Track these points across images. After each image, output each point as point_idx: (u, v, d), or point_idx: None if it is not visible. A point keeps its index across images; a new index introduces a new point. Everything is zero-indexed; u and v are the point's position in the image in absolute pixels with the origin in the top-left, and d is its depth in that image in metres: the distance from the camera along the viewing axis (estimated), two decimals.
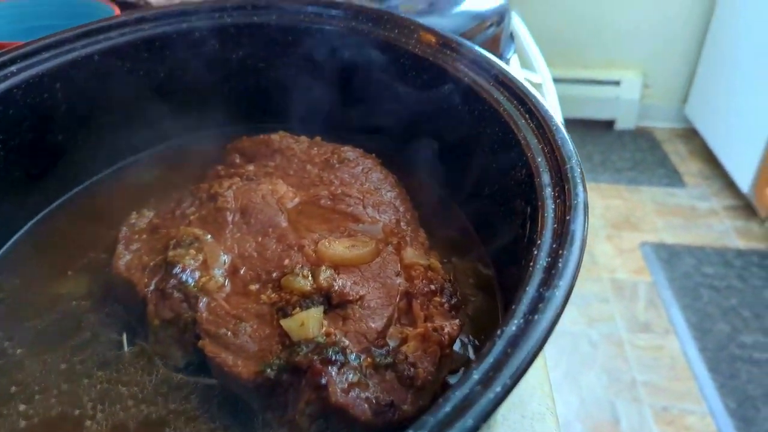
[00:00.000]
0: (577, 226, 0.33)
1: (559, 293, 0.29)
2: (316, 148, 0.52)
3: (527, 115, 0.42)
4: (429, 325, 0.38)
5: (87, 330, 0.41)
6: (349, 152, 0.51)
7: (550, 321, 0.28)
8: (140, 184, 0.53)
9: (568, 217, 0.33)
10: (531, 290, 0.30)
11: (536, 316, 0.28)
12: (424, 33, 0.51)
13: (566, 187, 0.35)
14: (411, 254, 0.43)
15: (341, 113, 0.56)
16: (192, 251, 0.41)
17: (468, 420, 0.24)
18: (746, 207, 2.44)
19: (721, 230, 2.36)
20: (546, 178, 0.37)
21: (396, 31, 0.53)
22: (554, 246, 0.32)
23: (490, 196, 0.46)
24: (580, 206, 0.34)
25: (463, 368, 0.38)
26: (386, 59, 0.53)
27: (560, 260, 0.31)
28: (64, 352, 0.39)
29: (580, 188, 0.35)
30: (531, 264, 0.31)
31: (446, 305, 0.40)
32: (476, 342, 0.41)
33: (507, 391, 0.26)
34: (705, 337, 1.93)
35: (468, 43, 0.50)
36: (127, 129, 0.54)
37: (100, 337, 0.41)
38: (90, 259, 0.46)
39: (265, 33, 0.56)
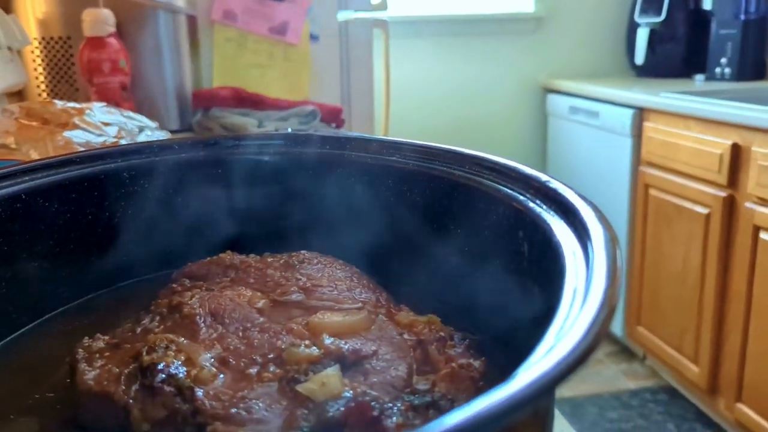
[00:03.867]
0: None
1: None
2: (270, 258, 0.51)
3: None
4: (453, 364, 0.35)
5: None
6: (307, 253, 0.50)
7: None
8: (79, 328, 0.47)
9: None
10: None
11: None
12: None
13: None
14: (405, 316, 0.41)
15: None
16: (170, 353, 0.37)
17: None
18: (624, 350, 2.58)
19: (610, 375, 2.45)
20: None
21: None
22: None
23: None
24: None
25: None
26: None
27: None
28: None
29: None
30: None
31: (462, 347, 0.38)
32: None
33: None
34: None
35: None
36: (56, 275, 0.50)
37: None
38: (34, 401, 0.39)
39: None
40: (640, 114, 2.32)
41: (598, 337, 0.19)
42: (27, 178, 0.49)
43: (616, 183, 2.44)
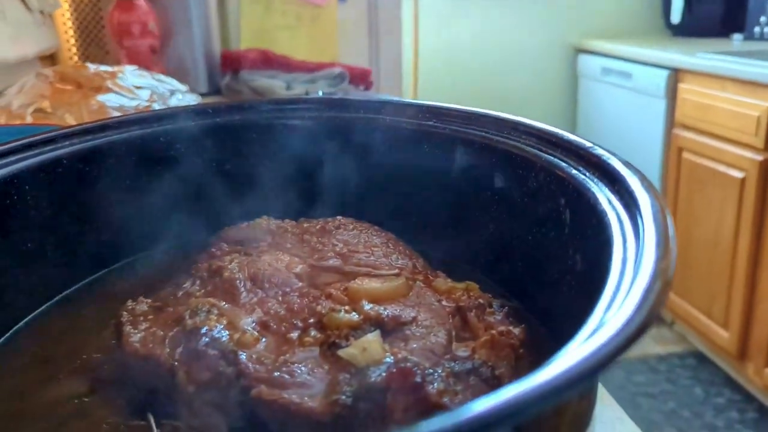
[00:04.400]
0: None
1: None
2: (306, 224, 0.51)
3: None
4: (494, 331, 0.35)
5: (102, 423, 0.34)
6: (342, 219, 0.50)
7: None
8: (121, 291, 0.48)
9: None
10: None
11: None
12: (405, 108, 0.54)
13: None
14: (443, 282, 0.41)
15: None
16: (212, 317, 0.37)
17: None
18: None
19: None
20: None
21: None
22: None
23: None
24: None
25: None
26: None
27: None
28: None
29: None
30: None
31: (502, 314, 0.38)
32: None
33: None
34: None
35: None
36: (98, 238, 0.50)
37: (120, 428, 0.34)
38: (82, 361, 0.40)
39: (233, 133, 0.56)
40: (675, 75, 2.26)
41: (652, 312, 0.19)
42: (67, 143, 0.49)
43: (648, 146, 2.39)
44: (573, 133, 0.40)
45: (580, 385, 0.18)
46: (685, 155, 2.23)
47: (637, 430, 0.37)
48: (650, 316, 0.19)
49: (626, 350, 0.18)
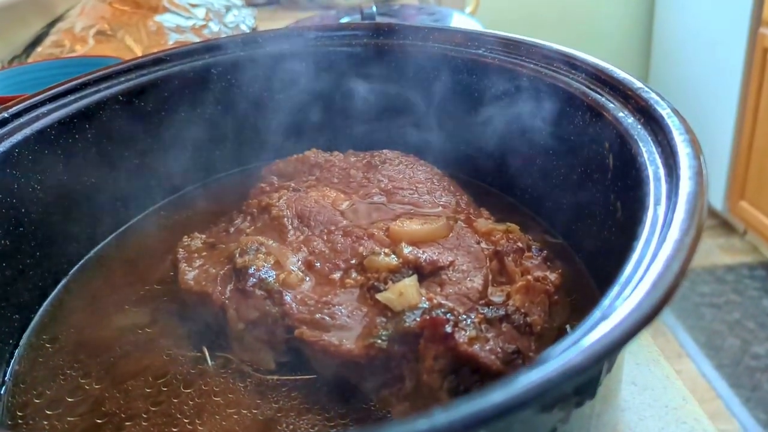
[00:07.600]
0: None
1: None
2: (353, 157, 0.51)
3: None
4: (529, 277, 0.36)
5: (162, 354, 0.38)
6: (389, 153, 0.51)
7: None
8: (178, 222, 0.51)
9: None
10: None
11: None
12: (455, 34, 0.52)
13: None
14: (484, 223, 0.42)
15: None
16: (261, 255, 0.39)
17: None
18: (724, 224, 2.49)
19: (706, 250, 2.38)
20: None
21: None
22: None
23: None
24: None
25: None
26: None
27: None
28: (145, 378, 0.36)
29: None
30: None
31: (539, 258, 0.38)
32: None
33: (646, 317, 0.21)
34: (718, 354, 1.91)
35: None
36: (158, 171, 0.53)
37: (178, 358, 0.37)
38: (145, 292, 0.43)
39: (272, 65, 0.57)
40: None
41: (664, 295, 0.19)
42: (123, 78, 0.51)
43: (730, 47, 2.23)
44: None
45: (580, 375, 0.18)
46: None
47: (672, 372, 0.38)
48: (661, 301, 0.19)
49: (630, 340, 0.19)
